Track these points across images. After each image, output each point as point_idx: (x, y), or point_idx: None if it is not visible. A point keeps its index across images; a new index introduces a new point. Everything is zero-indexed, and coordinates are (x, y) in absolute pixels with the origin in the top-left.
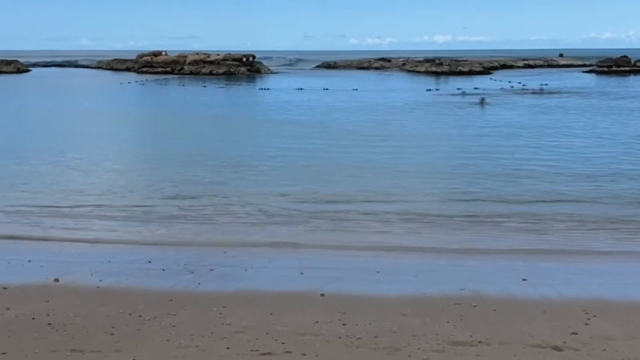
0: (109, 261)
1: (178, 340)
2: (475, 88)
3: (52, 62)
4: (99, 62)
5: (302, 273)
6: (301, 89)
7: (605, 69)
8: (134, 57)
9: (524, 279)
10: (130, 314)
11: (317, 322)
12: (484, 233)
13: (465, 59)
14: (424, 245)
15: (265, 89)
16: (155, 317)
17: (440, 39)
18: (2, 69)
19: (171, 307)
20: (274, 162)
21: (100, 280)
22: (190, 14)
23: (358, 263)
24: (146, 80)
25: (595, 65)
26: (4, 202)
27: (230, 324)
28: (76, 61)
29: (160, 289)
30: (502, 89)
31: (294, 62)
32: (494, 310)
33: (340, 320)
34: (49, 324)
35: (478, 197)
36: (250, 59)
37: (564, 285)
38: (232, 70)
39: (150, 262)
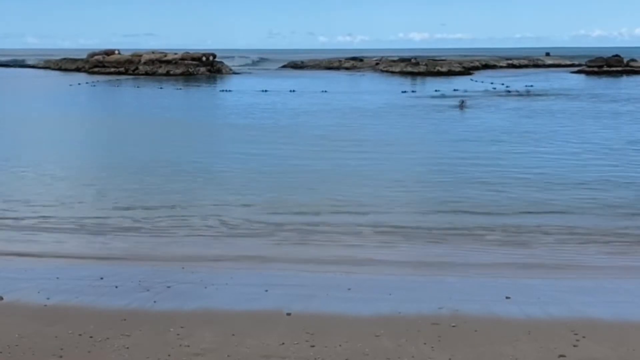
0: (58, 277)
1: None
2: (454, 90)
3: None
4: (47, 61)
5: (266, 290)
6: (266, 90)
7: (595, 69)
8: (84, 56)
9: (507, 297)
10: (80, 335)
11: (283, 343)
12: (464, 247)
13: (443, 58)
14: (399, 260)
15: (226, 90)
16: (108, 339)
17: (416, 36)
18: None
19: (125, 327)
20: (236, 169)
21: (48, 298)
22: (145, 10)
23: (328, 280)
24: (98, 81)
25: (585, 65)
26: None
27: (188, 346)
28: (22, 60)
29: (113, 308)
30: (483, 90)
31: (256, 61)
32: (475, 330)
33: (308, 341)
34: None
35: (458, 207)
36: (211, 58)
37: (551, 304)
38: (190, 70)
39: (102, 278)
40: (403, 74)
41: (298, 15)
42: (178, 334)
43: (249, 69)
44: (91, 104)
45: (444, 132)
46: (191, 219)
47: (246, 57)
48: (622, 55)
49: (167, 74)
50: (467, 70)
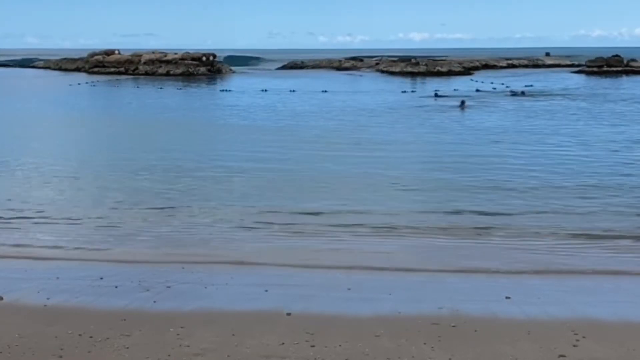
0: (57, 277)
1: None
2: (454, 90)
3: None
4: (47, 61)
5: (266, 290)
6: (265, 90)
7: (595, 69)
8: (84, 56)
9: (507, 297)
10: (80, 335)
11: (283, 343)
12: (464, 247)
13: (443, 58)
14: (399, 260)
15: (226, 90)
16: (108, 339)
17: (416, 36)
18: None
19: (125, 327)
20: (235, 170)
21: (48, 299)
22: (145, 10)
23: (327, 280)
24: (98, 81)
25: (585, 65)
26: None
27: (188, 346)
28: (22, 61)
29: (113, 308)
30: (484, 90)
31: (256, 61)
32: (475, 330)
33: (308, 341)
34: None
35: (458, 208)
36: (211, 58)
37: (551, 304)
38: (190, 70)
39: (101, 278)
40: (403, 74)
41: (298, 15)
42: (178, 334)
43: (249, 69)
44: (91, 103)
45: (444, 132)
46: (191, 219)
47: (245, 57)
48: (622, 55)
49: (167, 74)
50: (467, 70)
